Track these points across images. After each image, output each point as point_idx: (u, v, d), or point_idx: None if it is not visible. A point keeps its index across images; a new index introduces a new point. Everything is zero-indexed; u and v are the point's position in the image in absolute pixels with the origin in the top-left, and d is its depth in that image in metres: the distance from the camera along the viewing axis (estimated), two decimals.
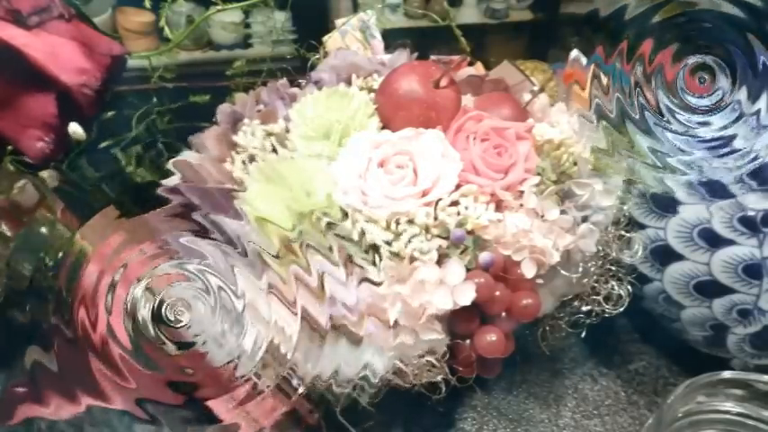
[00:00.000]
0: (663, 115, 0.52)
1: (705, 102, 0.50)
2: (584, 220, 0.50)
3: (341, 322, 0.46)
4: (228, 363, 0.47)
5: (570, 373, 0.58)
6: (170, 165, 0.52)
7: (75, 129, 0.55)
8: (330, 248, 0.46)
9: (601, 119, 0.54)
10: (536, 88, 0.55)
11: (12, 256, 0.44)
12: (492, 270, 0.47)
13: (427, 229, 0.46)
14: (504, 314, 0.48)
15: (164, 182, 0.51)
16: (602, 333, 0.50)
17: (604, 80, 0.54)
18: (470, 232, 0.47)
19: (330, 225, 0.46)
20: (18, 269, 0.45)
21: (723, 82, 0.50)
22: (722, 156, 0.50)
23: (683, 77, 0.51)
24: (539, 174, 0.49)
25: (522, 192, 0.48)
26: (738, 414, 0.45)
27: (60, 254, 0.47)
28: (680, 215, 0.51)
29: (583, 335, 0.51)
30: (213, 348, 0.47)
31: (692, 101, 0.51)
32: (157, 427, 0.48)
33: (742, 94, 0.49)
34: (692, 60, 0.51)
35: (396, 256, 0.46)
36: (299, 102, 0.53)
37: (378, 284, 0.46)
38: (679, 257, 0.52)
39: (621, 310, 0.50)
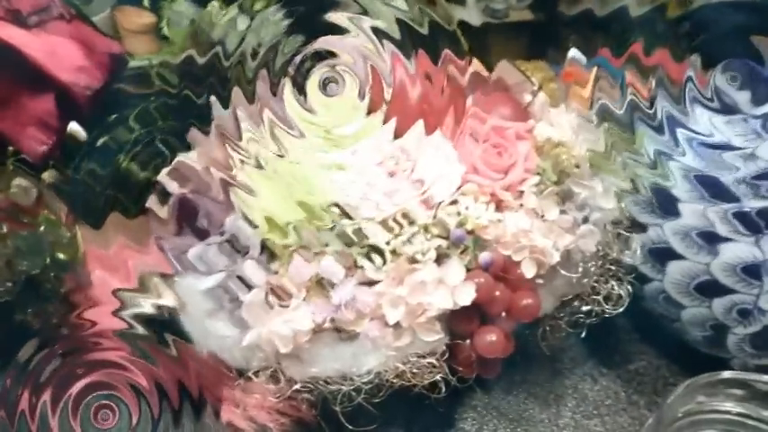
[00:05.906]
0: (669, 118, 0.52)
1: (713, 105, 0.51)
2: (584, 220, 0.50)
3: (338, 321, 0.46)
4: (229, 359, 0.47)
5: (570, 373, 0.58)
6: (173, 164, 0.52)
7: (75, 129, 0.55)
8: (329, 248, 0.46)
9: (603, 119, 0.54)
10: (536, 88, 0.55)
11: (12, 257, 0.44)
12: (492, 270, 0.47)
13: (427, 229, 0.46)
14: (503, 314, 0.48)
15: (164, 182, 0.51)
16: (602, 333, 0.50)
17: (610, 81, 0.54)
18: (470, 232, 0.47)
19: (329, 225, 0.46)
20: (19, 270, 0.45)
21: (728, 85, 0.50)
22: (726, 158, 0.50)
23: (691, 80, 0.51)
24: (539, 174, 0.49)
25: (522, 192, 0.48)
26: (738, 414, 0.45)
27: (61, 254, 0.47)
28: (680, 215, 0.51)
29: (583, 335, 0.51)
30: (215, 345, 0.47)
31: (700, 103, 0.51)
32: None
33: (746, 96, 0.50)
34: (698, 62, 0.51)
35: (396, 255, 0.46)
36: None
37: (377, 283, 0.46)
38: (679, 257, 0.52)
39: (621, 310, 0.50)
